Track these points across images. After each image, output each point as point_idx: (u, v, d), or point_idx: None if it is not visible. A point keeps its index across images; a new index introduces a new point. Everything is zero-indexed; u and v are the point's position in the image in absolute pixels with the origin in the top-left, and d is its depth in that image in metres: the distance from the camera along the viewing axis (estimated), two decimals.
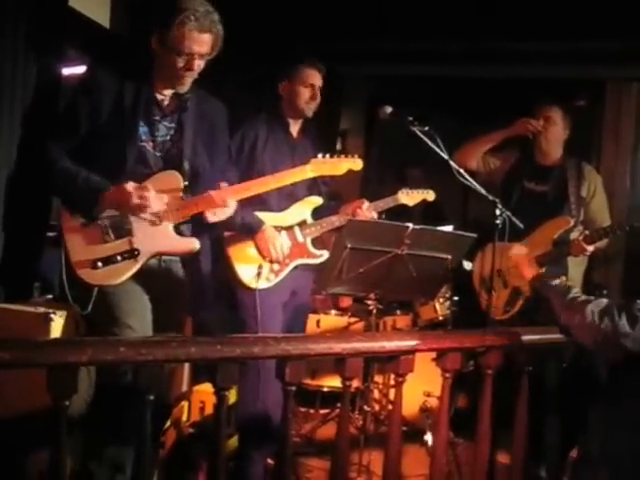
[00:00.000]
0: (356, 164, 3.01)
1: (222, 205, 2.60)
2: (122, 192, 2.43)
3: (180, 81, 2.57)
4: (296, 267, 3.17)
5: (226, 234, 3.08)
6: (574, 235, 3.64)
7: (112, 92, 2.53)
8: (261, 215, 3.11)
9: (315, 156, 2.92)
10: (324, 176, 3.05)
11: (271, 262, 3.07)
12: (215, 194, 2.59)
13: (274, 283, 3.12)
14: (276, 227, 3.14)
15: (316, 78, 3.27)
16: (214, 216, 2.62)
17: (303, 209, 3.24)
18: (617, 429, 2.29)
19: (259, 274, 3.05)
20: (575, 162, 3.82)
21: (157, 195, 2.49)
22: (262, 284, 3.06)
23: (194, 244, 2.63)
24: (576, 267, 3.72)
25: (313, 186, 3.30)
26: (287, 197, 3.20)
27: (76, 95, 2.58)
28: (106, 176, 2.47)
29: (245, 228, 3.05)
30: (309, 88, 3.24)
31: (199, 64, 2.54)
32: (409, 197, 3.40)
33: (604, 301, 2.37)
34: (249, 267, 3.08)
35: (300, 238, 3.18)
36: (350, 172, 3.02)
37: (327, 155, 2.93)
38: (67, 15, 3.52)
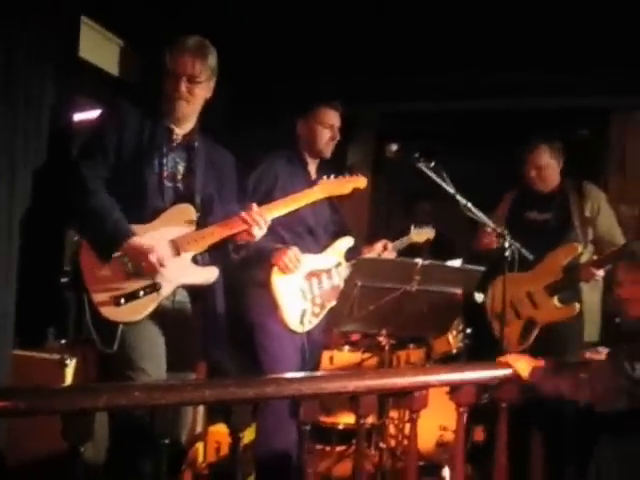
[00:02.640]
0: (361, 182, 3.08)
1: (256, 224, 2.64)
2: (142, 249, 2.47)
3: (173, 106, 2.65)
4: None
5: (265, 278, 3.10)
6: (585, 258, 3.61)
7: (134, 126, 2.63)
8: (304, 257, 3.13)
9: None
10: (332, 197, 3.10)
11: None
12: (247, 214, 2.64)
13: (314, 325, 3.17)
14: (318, 270, 3.19)
15: (335, 118, 3.32)
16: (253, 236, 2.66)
17: (339, 251, 3.30)
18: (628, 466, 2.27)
19: (303, 318, 3.10)
20: (575, 183, 3.79)
21: (182, 255, 2.56)
22: (307, 327, 3.13)
23: (214, 273, 2.67)
24: (592, 292, 3.68)
25: (328, 225, 3.38)
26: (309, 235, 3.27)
27: (103, 126, 2.64)
28: (126, 210, 2.53)
29: (259, 253, 3.05)
30: (329, 129, 3.30)
31: (188, 87, 2.63)
32: (418, 235, 3.50)
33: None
34: (294, 311, 3.11)
35: (337, 280, 3.22)
36: (356, 190, 3.09)
37: (332, 176, 3.00)
38: (77, 65, 3.61)
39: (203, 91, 2.69)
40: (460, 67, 4.71)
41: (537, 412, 2.73)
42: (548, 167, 3.75)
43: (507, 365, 2.64)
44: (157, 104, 2.68)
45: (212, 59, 2.68)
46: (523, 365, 2.62)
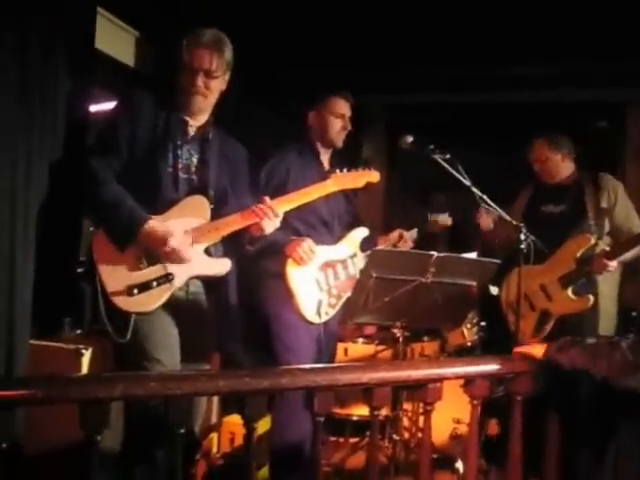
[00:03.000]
0: (373, 176, 3.09)
1: (265, 216, 2.64)
2: (160, 235, 2.49)
3: (190, 100, 2.65)
4: None
5: (279, 269, 3.10)
6: (600, 249, 3.56)
7: (148, 117, 2.63)
8: (318, 248, 3.14)
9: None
10: (346, 190, 3.10)
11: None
12: (259, 207, 2.64)
13: (331, 316, 3.17)
14: (333, 261, 3.18)
15: (346, 108, 3.34)
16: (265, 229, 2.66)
17: (354, 242, 3.29)
18: None
19: (319, 309, 3.10)
20: (590, 174, 3.76)
21: (195, 246, 2.56)
22: (324, 319, 3.13)
23: (227, 265, 2.67)
24: (608, 286, 3.63)
25: (342, 216, 3.37)
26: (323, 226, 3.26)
27: (116, 119, 2.65)
28: (140, 201, 2.53)
29: (273, 245, 3.05)
30: (340, 119, 3.31)
31: (205, 82, 2.62)
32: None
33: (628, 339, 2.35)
34: (310, 302, 3.11)
35: (352, 271, 3.21)
36: (369, 184, 3.09)
37: (345, 169, 3.00)
38: (94, 56, 3.62)
39: (219, 84, 2.68)
40: (474, 59, 4.69)
41: (553, 395, 2.71)
42: (549, 160, 3.75)
43: (523, 355, 2.64)
44: (172, 96, 2.68)
45: (228, 53, 2.66)
46: (538, 349, 2.62)
